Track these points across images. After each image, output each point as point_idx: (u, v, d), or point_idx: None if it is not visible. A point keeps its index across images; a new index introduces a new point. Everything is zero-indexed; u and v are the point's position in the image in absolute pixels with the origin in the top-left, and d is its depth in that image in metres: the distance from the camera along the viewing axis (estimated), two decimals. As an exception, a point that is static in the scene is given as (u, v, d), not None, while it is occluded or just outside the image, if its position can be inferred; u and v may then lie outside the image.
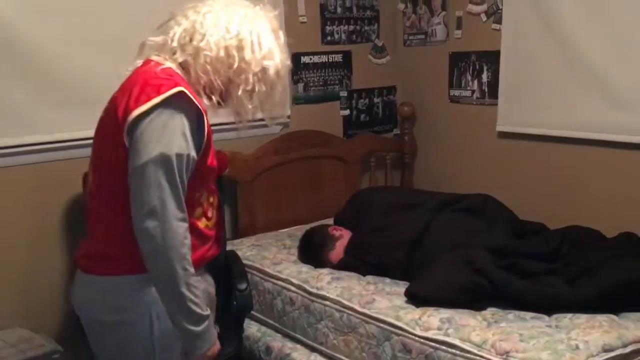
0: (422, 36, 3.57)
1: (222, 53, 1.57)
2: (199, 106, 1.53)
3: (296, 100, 3.38)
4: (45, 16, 2.55)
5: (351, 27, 3.55)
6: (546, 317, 2.19)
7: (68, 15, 2.60)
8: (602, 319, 2.12)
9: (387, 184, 3.60)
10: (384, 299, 2.39)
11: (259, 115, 1.70)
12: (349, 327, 2.40)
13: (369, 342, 2.31)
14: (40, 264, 2.67)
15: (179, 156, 1.45)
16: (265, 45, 1.61)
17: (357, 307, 2.39)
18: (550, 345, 1.96)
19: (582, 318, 2.13)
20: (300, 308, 2.60)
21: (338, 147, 3.47)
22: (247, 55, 1.59)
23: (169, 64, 1.57)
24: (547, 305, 2.22)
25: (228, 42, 1.58)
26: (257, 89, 1.61)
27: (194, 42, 1.57)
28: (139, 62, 1.62)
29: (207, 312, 1.55)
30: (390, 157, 3.61)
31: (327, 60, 3.48)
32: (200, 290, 1.54)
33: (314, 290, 2.57)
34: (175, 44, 1.58)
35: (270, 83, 1.63)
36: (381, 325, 2.28)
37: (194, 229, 1.58)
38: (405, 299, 2.36)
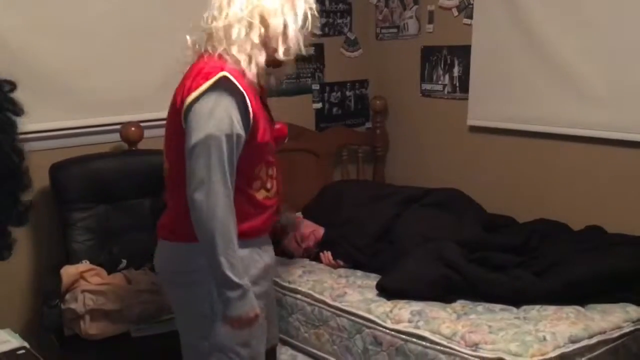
0: (395, 30, 3.57)
1: (243, 27, 1.62)
2: (242, 88, 1.61)
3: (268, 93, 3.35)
4: (9, 6, 2.48)
5: (324, 20, 3.53)
6: (514, 309, 2.22)
7: (33, 5, 2.53)
8: (568, 310, 2.16)
9: (359, 177, 3.60)
10: (355, 292, 2.39)
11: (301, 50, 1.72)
12: (320, 321, 2.40)
13: (340, 335, 2.32)
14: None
15: (227, 136, 1.57)
16: None
17: (328, 301, 2.39)
18: (518, 336, 1.98)
19: (549, 310, 2.17)
20: (271, 301, 2.59)
21: (310, 140, 3.46)
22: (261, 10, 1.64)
23: (217, 54, 1.65)
24: (516, 297, 2.25)
25: (241, 15, 1.62)
26: (287, 23, 1.66)
27: (220, 33, 1.65)
28: (192, 59, 1.72)
29: (244, 281, 1.64)
30: (362, 150, 3.61)
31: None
32: (238, 258, 1.63)
33: (286, 284, 2.56)
34: (211, 36, 1.66)
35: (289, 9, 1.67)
36: (352, 318, 2.29)
37: (252, 201, 1.72)
38: (376, 292, 2.37)
